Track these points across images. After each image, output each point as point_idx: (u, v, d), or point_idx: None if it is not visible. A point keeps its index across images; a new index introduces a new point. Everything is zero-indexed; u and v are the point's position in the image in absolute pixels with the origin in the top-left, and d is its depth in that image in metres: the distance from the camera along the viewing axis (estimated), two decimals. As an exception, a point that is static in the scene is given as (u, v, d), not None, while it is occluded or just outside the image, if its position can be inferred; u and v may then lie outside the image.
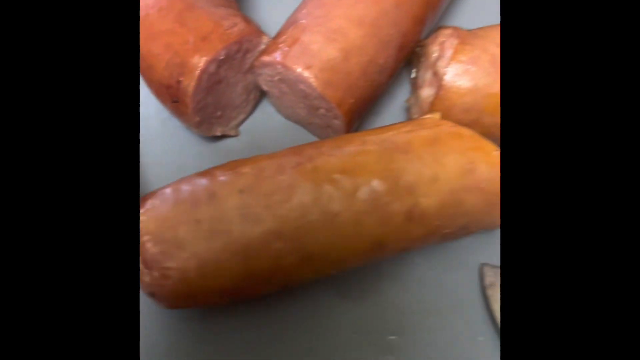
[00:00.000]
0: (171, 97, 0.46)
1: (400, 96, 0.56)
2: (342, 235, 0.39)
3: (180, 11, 0.45)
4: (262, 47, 0.48)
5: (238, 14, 0.48)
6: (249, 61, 0.49)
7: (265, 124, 0.55)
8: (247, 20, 0.48)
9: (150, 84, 0.47)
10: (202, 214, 0.39)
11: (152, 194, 0.41)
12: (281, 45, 0.46)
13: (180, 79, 0.44)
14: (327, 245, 0.39)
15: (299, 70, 0.45)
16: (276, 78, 0.48)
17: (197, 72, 0.44)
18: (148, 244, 0.38)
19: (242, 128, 0.54)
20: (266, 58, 0.47)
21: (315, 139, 0.54)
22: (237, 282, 0.39)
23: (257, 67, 0.48)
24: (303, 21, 0.47)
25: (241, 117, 0.54)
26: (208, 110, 0.48)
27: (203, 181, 0.40)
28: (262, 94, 0.55)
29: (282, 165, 0.40)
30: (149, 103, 0.54)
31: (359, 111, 0.48)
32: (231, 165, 0.41)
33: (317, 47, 0.45)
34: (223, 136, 0.53)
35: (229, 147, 0.54)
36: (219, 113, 0.50)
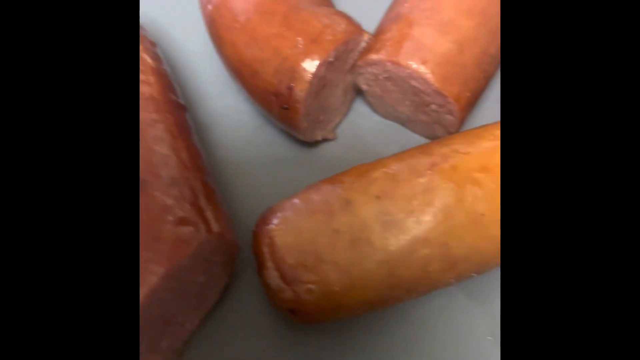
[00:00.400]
0: (280, 104, 0.44)
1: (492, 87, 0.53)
2: (488, 236, 0.37)
3: (285, 14, 0.44)
4: (363, 45, 0.47)
5: (339, 12, 0.46)
6: (351, 61, 0.47)
7: (361, 124, 0.53)
8: (349, 18, 0.46)
9: (254, 91, 0.46)
10: (339, 223, 0.37)
11: (280, 206, 0.39)
12: (388, 42, 0.44)
13: (292, 84, 0.43)
14: (472, 248, 0.37)
15: (414, 66, 0.43)
16: (382, 76, 0.46)
17: (310, 76, 0.42)
18: (287, 257, 0.37)
19: (338, 130, 0.53)
20: (374, 56, 0.45)
21: (415, 136, 0.52)
22: (382, 292, 0.37)
23: (361, 66, 0.46)
24: (408, 15, 0.45)
25: (337, 119, 0.52)
26: (313, 114, 0.47)
27: (333, 189, 0.39)
28: (356, 94, 0.53)
29: (415, 167, 0.38)
30: (242, 110, 0.53)
31: (473, 105, 0.46)
32: (358, 171, 0.40)
33: (430, 41, 0.43)
34: (319, 140, 0.52)
35: (327, 151, 0.52)
36: (321, 117, 0.49)
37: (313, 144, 0.52)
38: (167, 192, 0.37)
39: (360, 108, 0.54)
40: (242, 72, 0.46)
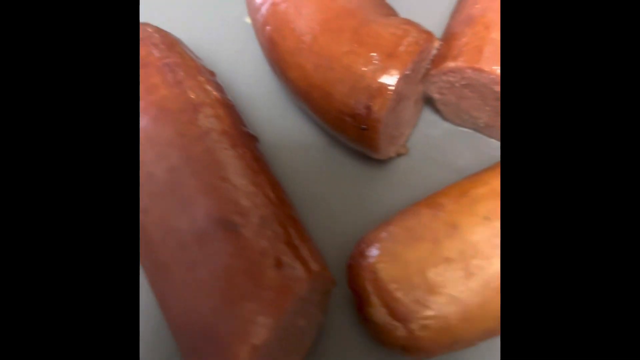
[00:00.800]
0: (357, 124, 0.42)
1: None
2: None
3: (354, 29, 0.41)
4: (434, 52, 0.44)
5: (408, 21, 0.43)
6: (423, 70, 0.44)
7: (432, 134, 0.50)
8: (418, 26, 0.43)
9: (325, 113, 0.43)
10: (449, 250, 0.34)
11: (376, 236, 0.37)
12: (465, 47, 0.42)
13: (370, 103, 0.40)
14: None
15: (499, 71, 0.40)
16: (459, 84, 0.43)
17: (390, 93, 0.40)
18: (396, 293, 0.34)
19: (408, 143, 0.50)
20: (451, 64, 0.42)
21: (492, 142, 0.49)
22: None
23: (436, 75, 0.44)
24: (482, 17, 0.42)
25: (408, 132, 0.49)
26: (388, 131, 0.44)
27: (434, 213, 0.36)
28: (424, 103, 0.50)
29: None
30: (305, 131, 0.51)
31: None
32: (457, 191, 0.37)
33: (513, 42, 0.40)
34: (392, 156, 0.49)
35: (400, 166, 0.49)
36: (394, 132, 0.46)
37: (385, 160, 0.49)
38: (261, 233, 0.35)
39: (428, 117, 0.51)
40: (310, 95, 0.43)
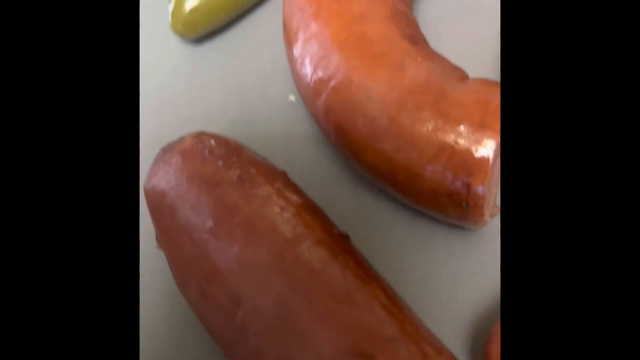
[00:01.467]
0: (456, 203, 0.38)
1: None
2: None
3: (434, 103, 0.38)
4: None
5: (485, 81, 0.40)
6: (506, 127, 0.41)
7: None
8: (490, 82, 0.40)
9: (415, 194, 0.40)
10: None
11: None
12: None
13: (469, 181, 0.37)
14: None
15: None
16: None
17: (489, 166, 0.36)
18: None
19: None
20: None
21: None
22: None
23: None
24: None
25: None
26: (488, 199, 0.41)
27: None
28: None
29: None
30: (385, 208, 0.47)
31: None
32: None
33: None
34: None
35: (493, 228, 0.46)
36: (489, 198, 0.42)
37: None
38: (397, 357, 0.31)
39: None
40: (395, 178, 0.40)
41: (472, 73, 0.43)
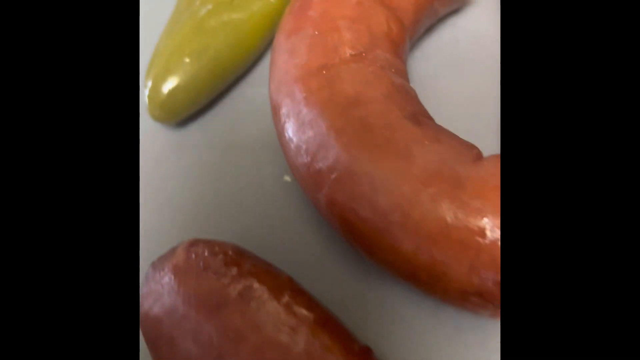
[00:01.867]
0: (487, 301, 0.34)
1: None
2: None
3: (450, 192, 0.34)
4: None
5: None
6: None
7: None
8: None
9: (441, 293, 0.36)
10: None
11: None
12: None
13: (496, 277, 0.33)
14: None
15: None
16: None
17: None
18: None
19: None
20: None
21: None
22: None
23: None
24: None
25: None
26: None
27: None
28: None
29: None
30: (408, 303, 0.43)
31: None
32: None
33: None
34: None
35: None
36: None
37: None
38: None
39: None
40: (416, 277, 0.36)
41: (474, 126, 0.40)
